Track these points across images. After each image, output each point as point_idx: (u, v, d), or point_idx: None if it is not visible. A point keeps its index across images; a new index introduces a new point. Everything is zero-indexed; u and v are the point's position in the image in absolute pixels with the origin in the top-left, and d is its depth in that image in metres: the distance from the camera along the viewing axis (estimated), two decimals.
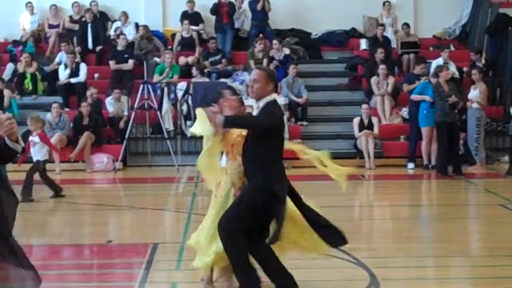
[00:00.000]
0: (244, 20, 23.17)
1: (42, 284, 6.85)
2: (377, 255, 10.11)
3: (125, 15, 22.65)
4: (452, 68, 19.97)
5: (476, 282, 9.41)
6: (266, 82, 7.62)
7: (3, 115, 5.75)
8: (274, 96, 7.73)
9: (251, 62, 20.98)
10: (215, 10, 22.51)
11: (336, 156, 18.82)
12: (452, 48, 22.35)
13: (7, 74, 21.09)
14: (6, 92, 19.85)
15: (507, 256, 10.08)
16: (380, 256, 10.11)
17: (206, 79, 20.80)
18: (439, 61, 20.32)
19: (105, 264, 10.36)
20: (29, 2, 22.91)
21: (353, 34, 23.48)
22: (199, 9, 22.89)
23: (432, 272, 9.86)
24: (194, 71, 20.76)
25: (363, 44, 22.83)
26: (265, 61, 20.94)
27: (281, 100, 19.82)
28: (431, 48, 22.79)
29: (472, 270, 10.25)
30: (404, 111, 19.85)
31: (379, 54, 20.86)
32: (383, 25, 22.45)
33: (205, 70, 21.15)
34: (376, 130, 19.06)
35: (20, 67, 21.13)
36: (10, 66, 21.41)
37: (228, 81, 20.54)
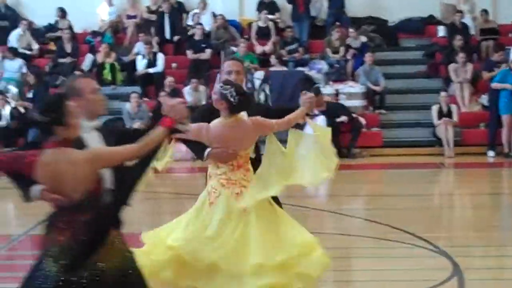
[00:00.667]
0: (320, 9, 22.70)
1: None
2: (458, 244, 9.97)
3: (203, 2, 22.49)
4: None
5: None
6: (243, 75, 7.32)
7: (177, 100, 5.69)
8: None
9: (328, 50, 20.88)
10: None
11: (415, 145, 20.22)
12: None
13: (86, 65, 21.20)
14: None
15: None
16: (461, 245, 9.93)
17: (284, 68, 20.74)
18: None
19: None
20: None
21: (431, 21, 22.82)
22: None
23: None
24: (272, 60, 20.69)
25: (441, 31, 22.19)
26: (341, 49, 20.74)
27: (358, 89, 19.98)
28: (510, 35, 22.23)
29: None
30: (484, 98, 19.58)
31: (458, 41, 20.48)
32: (461, 11, 21.94)
33: (283, 59, 21.01)
34: (455, 117, 18.71)
35: (99, 58, 21.21)
36: (89, 57, 21.50)
37: (305, 70, 20.48)
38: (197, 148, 6.73)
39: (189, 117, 6.21)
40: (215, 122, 6.50)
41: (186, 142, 6.72)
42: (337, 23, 21.53)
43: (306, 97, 6.74)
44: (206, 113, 6.75)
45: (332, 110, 18.66)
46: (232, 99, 6.31)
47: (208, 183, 6.59)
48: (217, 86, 6.58)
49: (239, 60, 7.57)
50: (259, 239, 6.39)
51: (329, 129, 6.96)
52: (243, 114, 6.58)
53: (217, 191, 6.51)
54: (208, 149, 6.58)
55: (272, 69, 20.48)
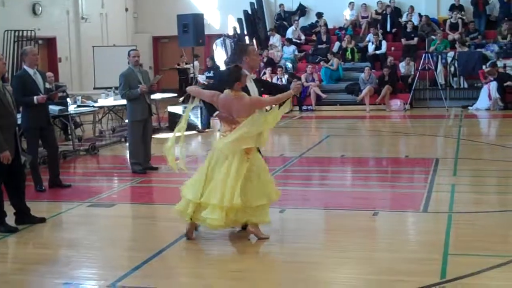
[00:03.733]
0: (493, 8, 23.33)
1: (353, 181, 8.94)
2: None
3: (412, 8, 23.58)
4: None
5: None
6: None
7: (299, 82, 7.08)
8: None
9: (499, 37, 21.59)
10: (474, 2, 23.16)
11: None
12: None
13: (335, 49, 22.64)
14: (335, 60, 21.54)
15: None
16: None
17: (466, 49, 21.23)
18: None
19: (403, 171, 10.89)
20: (351, 2, 24.46)
21: None
22: (462, 1, 23.30)
23: None
24: (457, 43, 21.42)
25: None
26: (509, 36, 21.35)
27: None
28: None
29: None
30: None
31: None
32: None
33: (466, 43, 21.63)
34: None
35: (344, 44, 22.76)
36: (337, 44, 23.04)
37: (482, 50, 21.13)
38: (210, 108, 6.88)
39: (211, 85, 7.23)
40: (224, 93, 6.72)
41: (204, 102, 6.96)
42: (506, 18, 22.14)
43: (295, 83, 6.83)
44: (221, 82, 6.94)
45: (502, 78, 19.57)
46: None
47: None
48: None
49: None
50: (233, 184, 6.45)
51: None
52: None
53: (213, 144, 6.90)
54: (217, 112, 6.77)
55: (458, 50, 21.16)
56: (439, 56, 20.92)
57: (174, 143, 6.87)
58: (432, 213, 7.84)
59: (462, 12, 23.32)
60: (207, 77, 16.56)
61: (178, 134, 6.86)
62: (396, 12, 23.99)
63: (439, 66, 20.83)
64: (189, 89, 7.14)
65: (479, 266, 5.78)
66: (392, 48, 22.72)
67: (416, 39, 22.38)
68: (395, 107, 20.37)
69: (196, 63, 21.07)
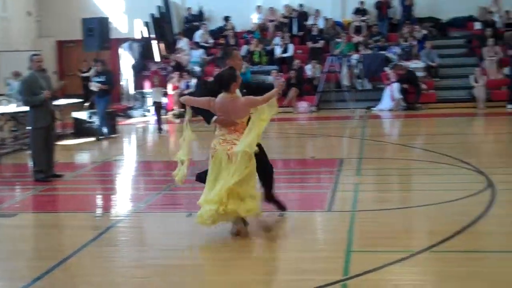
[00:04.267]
0: (395, 12, 24.16)
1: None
2: (491, 166, 10.04)
3: (317, 11, 24.10)
4: None
5: None
6: None
7: (282, 80, 8.22)
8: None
9: (400, 40, 22.31)
10: (378, 5, 23.88)
11: (458, 101, 20.33)
12: None
13: (243, 52, 22.23)
14: (243, 64, 20.54)
15: None
16: (493, 167, 10.03)
17: (370, 52, 21.93)
18: None
19: (309, 171, 11.03)
20: (259, 6, 24.70)
21: (470, 18, 23.77)
22: (366, 5, 23.92)
23: None
24: (361, 46, 22.02)
25: (477, 25, 23.14)
26: (410, 39, 21.99)
27: (420, 64, 21.09)
28: None
29: None
30: (506, 69, 20.59)
31: (488, 32, 21.63)
32: (491, 12, 22.96)
33: (370, 46, 22.27)
34: (484, 83, 19.80)
35: (251, 47, 22.86)
36: (245, 47, 23.04)
37: (385, 52, 21.84)
38: (206, 115, 6.86)
39: (203, 90, 7.14)
40: (219, 96, 6.79)
41: (197, 110, 6.92)
42: (407, 22, 23.05)
43: (278, 81, 7.42)
44: (213, 88, 6.97)
45: (405, 79, 20.19)
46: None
47: (212, 142, 6.84)
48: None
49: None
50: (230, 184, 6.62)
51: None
52: (238, 93, 6.86)
53: (215, 148, 6.80)
54: (215, 117, 6.80)
55: (363, 52, 21.74)
56: (344, 59, 21.33)
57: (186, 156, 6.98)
58: (336, 212, 8.00)
59: (367, 16, 23.96)
60: (97, 82, 16.09)
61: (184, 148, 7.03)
62: (303, 15, 24.37)
63: (344, 69, 21.26)
64: (183, 99, 7.06)
65: (381, 262, 5.91)
66: (299, 51, 23.04)
67: (322, 42, 22.85)
68: (302, 109, 20.58)
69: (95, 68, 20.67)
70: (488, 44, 21.38)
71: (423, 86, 20.50)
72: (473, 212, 7.55)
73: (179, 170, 6.96)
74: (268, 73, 21.23)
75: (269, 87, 7.15)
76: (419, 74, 20.92)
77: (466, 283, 5.55)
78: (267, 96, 6.74)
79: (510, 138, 14.99)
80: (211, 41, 24.16)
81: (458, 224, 7.07)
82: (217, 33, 24.64)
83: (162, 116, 17.70)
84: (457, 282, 5.58)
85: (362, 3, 24.00)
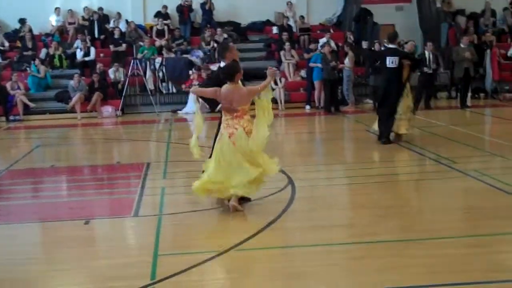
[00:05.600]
0: (196, 16, 24.58)
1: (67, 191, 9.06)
2: (290, 165, 10.44)
3: (119, 14, 23.96)
4: (332, 44, 21.58)
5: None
6: None
7: (274, 68, 7.94)
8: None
9: (203, 44, 22.71)
10: (179, 9, 24.09)
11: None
12: (331, 31, 23.85)
13: (42, 56, 22.15)
14: (42, 68, 21.22)
15: (362, 163, 10.85)
16: (292, 165, 10.52)
17: (173, 55, 22.17)
18: (324, 40, 21.77)
19: (115, 177, 10.99)
20: (57, 8, 23.92)
21: (268, 23, 24.91)
22: (168, 9, 24.04)
23: (324, 174, 10.38)
24: (165, 50, 22.24)
25: (275, 29, 24.29)
26: (212, 43, 22.46)
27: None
28: (318, 31, 24.27)
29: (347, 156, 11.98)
30: (302, 72, 21.39)
31: (285, 36, 22.75)
32: (287, 17, 24.15)
33: (173, 50, 22.53)
34: (283, 85, 20.63)
35: (51, 51, 22.29)
36: (44, 51, 22.54)
37: (188, 56, 22.05)
38: (212, 103, 7.87)
39: (207, 82, 8.13)
40: (224, 87, 7.62)
41: (204, 98, 7.92)
42: (208, 25, 23.57)
43: (271, 70, 7.75)
44: (216, 79, 7.79)
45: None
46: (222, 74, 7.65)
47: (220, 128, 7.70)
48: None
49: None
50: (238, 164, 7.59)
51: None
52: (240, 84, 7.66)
53: (222, 132, 7.71)
54: (220, 105, 7.70)
55: (166, 56, 21.94)
56: (148, 62, 21.49)
57: (197, 141, 7.82)
58: (143, 216, 8.01)
59: (169, 20, 24.15)
60: None
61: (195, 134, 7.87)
62: (104, 18, 24.21)
63: (148, 72, 21.38)
64: (193, 90, 8.00)
65: (189, 263, 6.01)
66: (101, 55, 22.92)
67: (124, 45, 22.74)
68: (106, 113, 20.50)
69: None
70: (285, 48, 22.14)
71: None
72: (275, 209, 7.91)
73: (193, 147, 7.83)
74: (70, 77, 20.95)
75: (262, 74, 7.94)
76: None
77: (267, 279, 5.79)
78: (263, 85, 7.66)
79: (309, 137, 15.67)
80: (7, 44, 23.29)
81: (262, 221, 7.36)
82: (12, 36, 23.76)
83: None
84: (259, 278, 5.83)
85: (164, 6, 24.15)
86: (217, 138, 7.72)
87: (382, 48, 16.37)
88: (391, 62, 12.64)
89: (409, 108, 13.13)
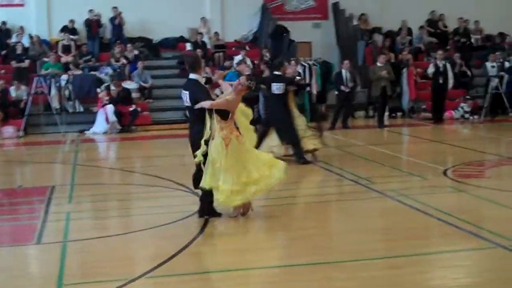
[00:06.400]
0: (105, 31, 24.55)
1: None
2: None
3: (21, 28, 23.66)
4: (248, 61, 21.43)
5: None
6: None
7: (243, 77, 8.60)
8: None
9: (112, 60, 22.69)
10: (87, 24, 24.00)
11: (173, 122, 20.82)
12: (247, 48, 24.15)
13: None
14: None
15: None
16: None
17: (80, 72, 22.06)
18: (239, 57, 21.91)
19: (17, 202, 10.78)
20: None
21: (181, 39, 25.02)
22: (75, 24, 23.96)
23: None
24: (71, 66, 22.05)
25: (188, 46, 24.28)
26: (122, 59, 22.51)
27: (134, 85, 21.65)
28: (233, 48, 24.67)
29: None
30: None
31: (199, 53, 21.66)
32: (201, 33, 24.50)
33: (80, 66, 22.42)
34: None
35: None
36: None
37: (97, 73, 22.06)
38: (224, 113, 8.34)
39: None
40: (230, 97, 8.46)
41: (218, 111, 8.36)
42: (118, 41, 23.52)
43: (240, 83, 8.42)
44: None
45: (117, 100, 20.52)
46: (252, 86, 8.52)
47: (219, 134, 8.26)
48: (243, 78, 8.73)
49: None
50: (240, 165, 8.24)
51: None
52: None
53: (228, 138, 8.32)
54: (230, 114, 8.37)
55: (72, 73, 21.70)
56: (53, 79, 21.20)
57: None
58: (46, 244, 7.82)
59: (76, 36, 24.14)
60: None
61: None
62: (6, 32, 23.88)
63: (53, 90, 21.14)
64: (208, 104, 8.27)
65: None
66: (2, 71, 22.61)
67: (27, 61, 22.55)
68: (7, 134, 20.20)
69: None
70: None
71: (138, 108, 21.09)
72: (189, 233, 7.89)
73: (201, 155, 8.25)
74: None
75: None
76: (133, 95, 21.49)
77: None
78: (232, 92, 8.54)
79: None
80: None
81: (177, 245, 7.33)
82: None
83: None
84: None
85: (71, 21, 24.07)
86: (214, 145, 8.23)
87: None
88: (276, 88, 13.39)
89: (306, 125, 13.80)
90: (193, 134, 8.48)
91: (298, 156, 13.39)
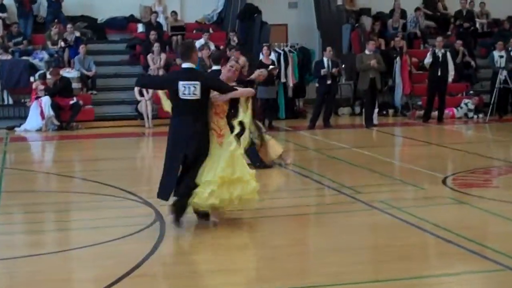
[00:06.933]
0: (40, 8, 24.38)
1: None
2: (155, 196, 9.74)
3: None
4: (212, 46, 21.86)
5: None
6: None
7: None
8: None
9: (48, 43, 22.79)
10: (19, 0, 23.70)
11: (121, 118, 21.33)
12: (211, 31, 24.54)
13: None
14: None
15: None
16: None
17: (10, 57, 22.09)
18: (201, 41, 22.24)
19: None
20: None
21: (132, 19, 25.17)
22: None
23: None
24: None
25: (140, 27, 24.60)
26: (60, 42, 22.55)
27: (74, 74, 21.74)
28: (194, 31, 24.83)
29: None
30: None
31: (153, 35, 22.89)
32: (156, 12, 24.42)
33: (10, 50, 22.25)
34: (150, 94, 20.45)
35: None
36: None
37: (29, 58, 22.15)
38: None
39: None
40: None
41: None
42: (56, 20, 23.32)
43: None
44: None
45: (56, 91, 20.47)
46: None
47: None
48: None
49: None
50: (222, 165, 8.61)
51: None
52: None
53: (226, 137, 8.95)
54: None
55: (1, 58, 21.65)
56: None
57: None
58: None
59: (5, 13, 24.13)
60: None
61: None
62: None
63: None
64: (222, 98, 8.83)
65: None
66: None
67: None
68: None
69: None
70: (153, 50, 22.42)
71: (81, 102, 21.19)
72: (139, 252, 7.84)
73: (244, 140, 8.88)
74: None
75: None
76: (73, 86, 21.53)
77: None
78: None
79: None
80: None
81: (124, 266, 7.29)
82: None
83: None
84: None
85: None
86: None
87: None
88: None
89: (256, 128, 13.33)
90: (200, 130, 8.69)
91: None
